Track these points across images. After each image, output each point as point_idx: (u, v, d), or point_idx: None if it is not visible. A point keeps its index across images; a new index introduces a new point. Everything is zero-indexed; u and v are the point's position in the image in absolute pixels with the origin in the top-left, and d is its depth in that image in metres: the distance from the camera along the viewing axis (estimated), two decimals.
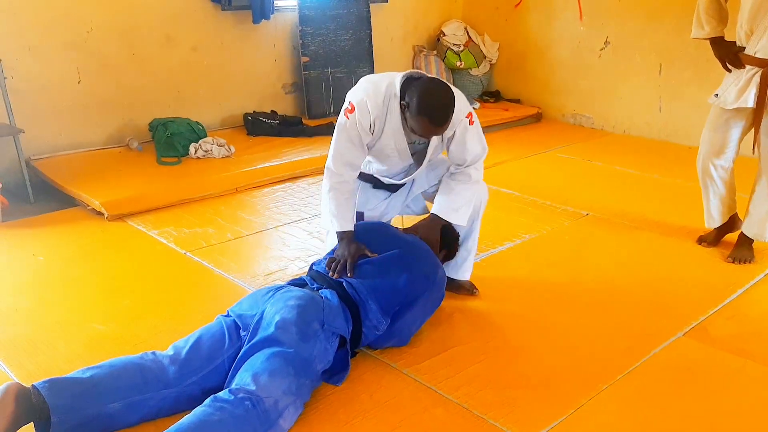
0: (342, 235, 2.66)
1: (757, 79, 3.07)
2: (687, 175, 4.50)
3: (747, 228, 3.33)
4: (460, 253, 2.91)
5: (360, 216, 2.99)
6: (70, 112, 4.51)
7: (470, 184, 2.77)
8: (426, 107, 2.42)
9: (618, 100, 5.89)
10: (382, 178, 2.87)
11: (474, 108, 6.12)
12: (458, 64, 6.45)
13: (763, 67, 3.04)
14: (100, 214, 3.78)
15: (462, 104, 2.62)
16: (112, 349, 2.50)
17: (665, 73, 5.50)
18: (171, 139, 4.48)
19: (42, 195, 4.13)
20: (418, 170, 2.75)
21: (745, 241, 3.36)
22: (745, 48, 3.13)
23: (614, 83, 5.87)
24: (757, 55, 3.05)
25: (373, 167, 2.86)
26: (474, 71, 6.54)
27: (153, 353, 2.21)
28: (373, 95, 2.55)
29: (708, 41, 3.31)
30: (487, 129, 5.86)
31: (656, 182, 4.62)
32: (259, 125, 5.12)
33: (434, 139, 2.68)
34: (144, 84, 4.82)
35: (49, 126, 4.43)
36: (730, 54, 3.21)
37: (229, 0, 5.05)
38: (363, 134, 2.59)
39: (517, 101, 6.55)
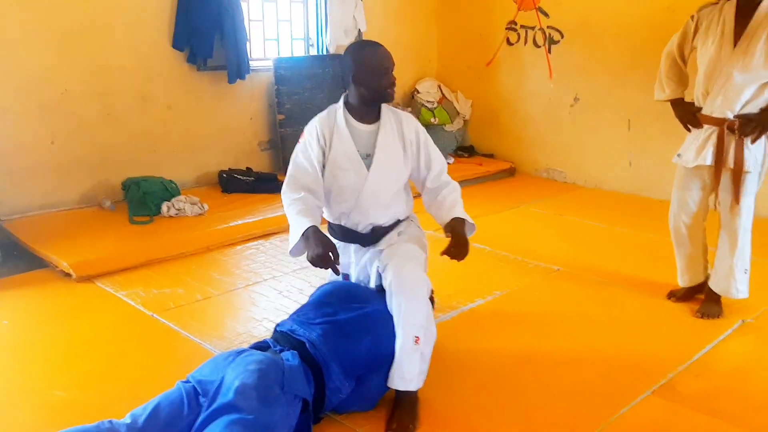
0: (305, 234, 2.55)
1: (714, 138, 3.15)
2: (657, 228, 4.56)
3: (713, 283, 3.36)
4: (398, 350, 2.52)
5: (345, 278, 2.98)
6: (43, 173, 4.52)
7: (452, 187, 2.85)
8: (365, 46, 2.73)
9: (589, 155, 5.99)
10: (347, 222, 2.85)
11: (448, 163, 6.25)
12: (432, 120, 6.55)
13: (719, 125, 3.12)
14: (68, 275, 3.74)
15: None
16: (73, 417, 2.43)
17: (634, 129, 5.62)
18: (143, 198, 4.48)
19: (12, 256, 4.09)
20: (369, 175, 2.72)
21: (713, 296, 3.38)
22: (702, 108, 3.22)
23: (585, 138, 5.98)
24: (714, 115, 3.14)
25: (336, 205, 2.84)
26: (448, 127, 6.64)
27: (110, 422, 2.16)
28: (318, 116, 2.81)
29: (669, 103, 3.41)
30: (460, 183, 5.95)
31: (627, 236, 4.66)
32: (234, 182, 5.14)
33: (384, 150, 2.71)
34: (119, 143, 4.84)
35: (22, 186, 4.43)
36: (689, 114, 3.30)
37: (204, 60, 5.13)
38: (313, 151, 2.71)
39: (491, 156, 6.64)
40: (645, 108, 5.44)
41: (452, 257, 2.60)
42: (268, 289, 3.64)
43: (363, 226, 2.84)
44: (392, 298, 2.54)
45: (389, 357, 2.52)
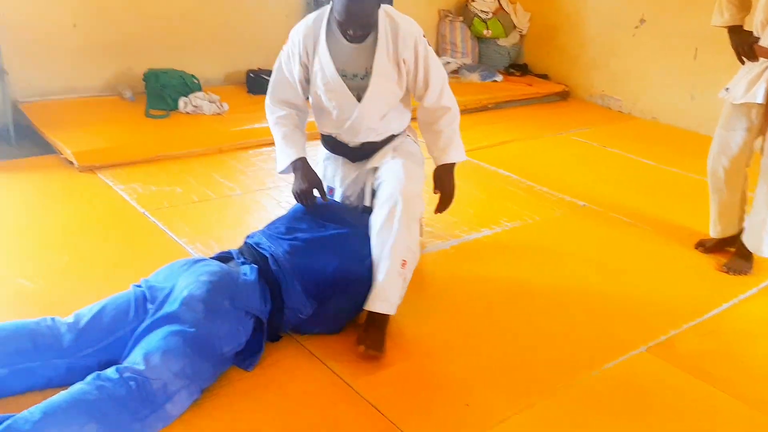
0: (295, 165, 2.52)
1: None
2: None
3: (745, 237, 3.03)
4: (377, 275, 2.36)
5: (330, 191, 2.83)
6: (64, 57, 4.41)
7: (450, 117, 2.61)
8: None
9: (650, 84, 5.51)
10: (336, 135, 2.67)
11: (495, 80, 5.88)
12: (485, 32, 6.13)
13: None
14: (72, 163, 3.68)
15: (415, 22, 2.53)
16: (33, 308, 2.39)
17: (701, 58, 5.10)
18: (161, 92, 4.35)
19: (26, 139, 4.06)
20: (360, 106, 2.50)
21: (744, 251, 3.06)
22: (760, 39, 2.80)
23: (647, 65, 5.48)
24: None
25: (324, 124, 2.67)
26: (502, 41, 6.21)
27: (52, 319, 2.10)
28: (303, 22, 2.52)
29: (726, 29, 2.99)
30: (506, 104, 5.62)
31: (672, 176, 4.29)
32: (261, 83, 4.91)
33: (378, 77, 2.45)
34: (145, 31, 4.68)
35: (42, 69, 4.35)
36: (745, 44, 2.89)
37: None
38: (295, 66, 2.50)
39: (545, 77, 6.20)
40: (715, 36, 4.83)
41: (438, 212, 2.67)
42: (268, 199, 3.49)
43: (353, 144, 2.66)
44: (384, 218, 2.38)
45: (357, 281, 2.37)
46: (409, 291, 2.46)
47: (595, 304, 2.75)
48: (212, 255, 2.45)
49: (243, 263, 2.32)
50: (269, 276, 2.27)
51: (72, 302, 2.42)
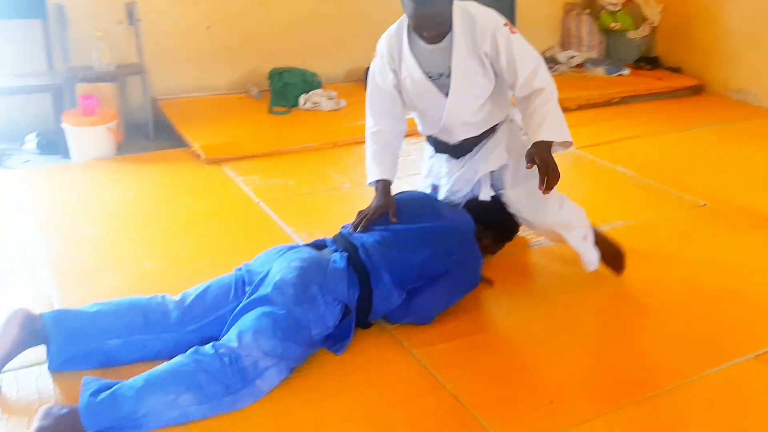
0: (376, 185, 2.60)
1: None
2: None
3: None
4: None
5: (434, 188, 2.89)
6: (198, 57, 4.75)
7: (544, 96, 2.41)
8: None
9: None
10: (436, 135, 2.73)
11: (621, 74, 5.65)
12: (613, 25, 5.92)
13: None
14: (199, 156, 3.96)
15: (494, 14, 2.48)
16: (153, 287, 2.57)
17: None
18: (284, 89, 4.58)
19: (163, 133, 4.41)
20: (446, 104, 2.51)
21: None
22: None
23: None
24: None
25: (422, 124, 2.74)
26: (631, 34, 5.97)
27: (162, 297, 2.29)
28: (386, 32, 2.56)
29: None
30: (632, 99, 5.39)
31: None
32: None
33: (460, 74, 2.45)
34: (271, 32, 4.94)
35: (179, 68, 4.71)
36: None
37: None
38: (387, 75, 2.55)
39: (677, 70, 5.89)
40: None
41: (545, 191, 2.36)
42: (375, 192, 3.59)
43: (453, 141, 2.70)
44: (552, 237, 2.77)
45: (446, 274, 2.42)
46: (507, 285, 2.61)
47: (703, 307, 2.61)
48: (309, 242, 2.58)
49: (335, 251, 2.41)
50: (358, 264, 2.35)
51: (186, 283, 2.61)
